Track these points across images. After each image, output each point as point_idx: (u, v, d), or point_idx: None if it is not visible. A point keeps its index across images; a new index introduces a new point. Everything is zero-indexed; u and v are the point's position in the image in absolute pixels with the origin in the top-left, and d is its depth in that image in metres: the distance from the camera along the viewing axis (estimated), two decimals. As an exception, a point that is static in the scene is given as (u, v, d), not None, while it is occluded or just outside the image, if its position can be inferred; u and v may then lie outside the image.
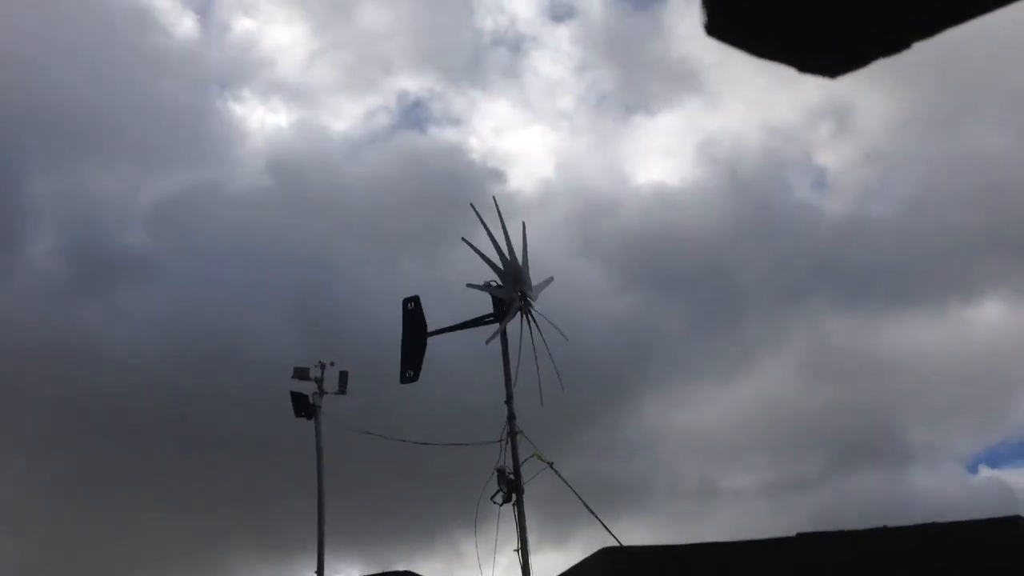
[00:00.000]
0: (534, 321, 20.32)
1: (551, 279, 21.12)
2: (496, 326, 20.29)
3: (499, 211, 20.94)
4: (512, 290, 20.49)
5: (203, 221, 41.23)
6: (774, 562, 11.75)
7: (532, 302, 20.53)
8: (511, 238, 20.34)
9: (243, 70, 54.71)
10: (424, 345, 20.19)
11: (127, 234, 41.92)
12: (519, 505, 19.41)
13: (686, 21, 50.60)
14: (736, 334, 42.46)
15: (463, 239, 20.89)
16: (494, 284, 20.52)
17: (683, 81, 51.62)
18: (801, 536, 11.88)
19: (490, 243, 20.05)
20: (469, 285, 20.63)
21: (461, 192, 43.13)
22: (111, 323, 37.41)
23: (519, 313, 20.42)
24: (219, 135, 48.19)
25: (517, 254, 20.74)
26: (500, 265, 20.57)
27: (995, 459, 63.66)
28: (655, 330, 38.79)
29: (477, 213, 20.90)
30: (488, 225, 20.05)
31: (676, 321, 41.30)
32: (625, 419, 34.54)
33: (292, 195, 44.10)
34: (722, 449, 41.06)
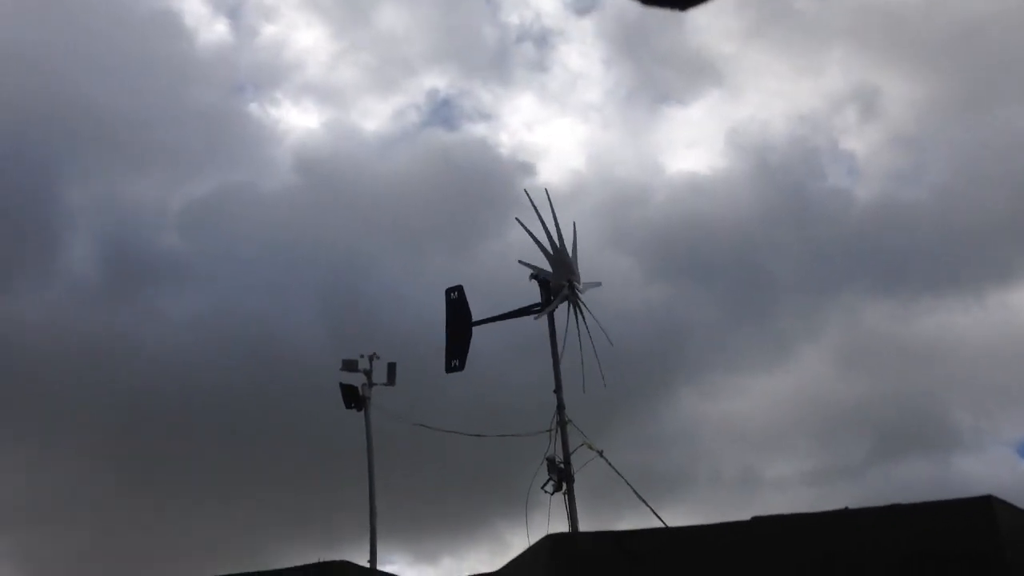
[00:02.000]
0: (581, 311, 20.44)
1: (599, 284, 21.17)
2: (545, 310, 20.49)
3: (550, 201, 21.03)
4: (561, 277, 20.55)
5: (236, 223, 42.40)
6: (729, 548, 11.43)
7: (580, 293, 20.63)
8: (553, 229, 20.47)
9: (273, 73, 55.99)
10: (469, 334, 20.42)
11: (162, 238, 43.56)
12: (570, 494, 19.56)
13: (704, 11, 49.36)
14: (771, 323, 41.31)
15: (517, 219, 20.96)
16: (542, 272, 20.61)
17: (705, 72, 50.39)
18: (757, 520, 11.50)
19: (529, 234, 20.37)
20: (521, 262, 20.69)
21: (489, 187, 43.39)
22: (148, 325, 38.24)
23: (567, 303, 20.59)
24: (251, 138, 49.24)
25: (567, 244, 20.89)
26: (551, 251, 20.67)
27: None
28: (690, 320, 38.01)
29: (530, 198, 21.01)
30: (524, 219, 20.38)
31: (711, 311, 40.47)
32: (662, 409, 34.02)
33: (323, 194, 44.71)
34: (763, 438, 40.61)
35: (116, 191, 44.37)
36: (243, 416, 32.06)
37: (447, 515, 29.44)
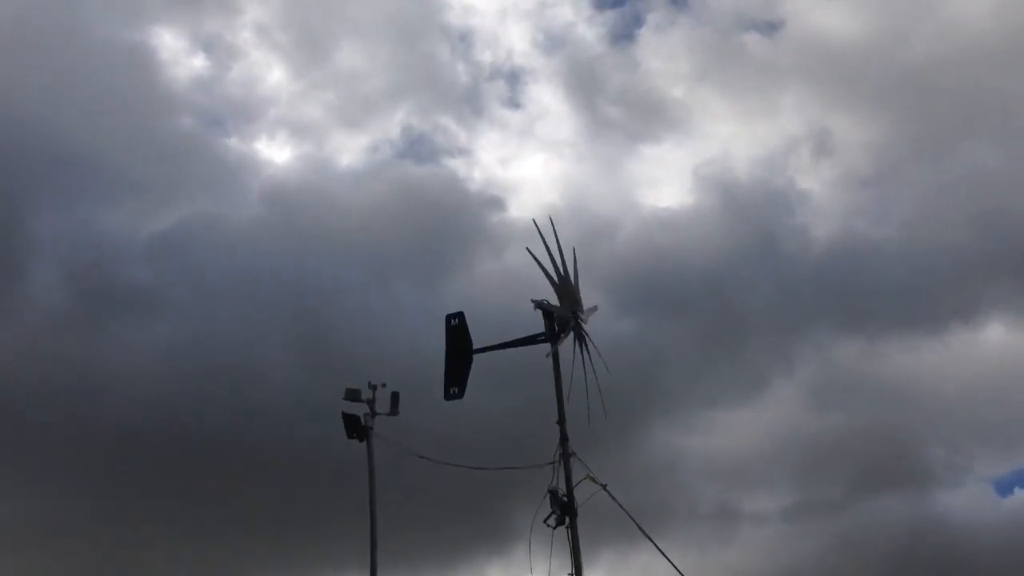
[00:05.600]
0: (585, 344, 20.26)
1: (595, 307, 21.01)
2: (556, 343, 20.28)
3: (555, 231, 20.69)
4: (567, 309, 20.38)
5: (206, 254, 42.17)
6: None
7: (584, 325, 20.45)
8: (559, 258, 20.33)
9: (246, 108, 55.87)
10: (470, 362, 20.24)
11: (132, 268, 42.54)
12: (573, 528, 19.20)
13: (660, 55, 52.15)
14: (744, 358, 42.05)
15: (527, 249, 20.71)
16: (546, 303, 20.38)
17: (663, 113, 52.06)
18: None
19: (538, 264, 20.13)
20: (534, 301, 20.48)
21: (458, 221, 44.88)
22: (117, 356, 37.86)
23: (571, 335, 20.38)
24: (222, 170, 48.96)
25: (567, 272, 20.72)
26: (556, 280, 20.46)
27: (1028, 482, 61.55)
28: (662, 355, 38.46)
29: (538, 228, 20.69)
30: (528, 247, 20.28)
31: (682, 346, 41.06)
32: (637, 444, 34.19)
33: (294, 226, 44.86)
34: (739, 474, 41.15)
35: (86, 221, 43.43)
36: (214, 447, 31.54)
37: (429, 550, 29.03)
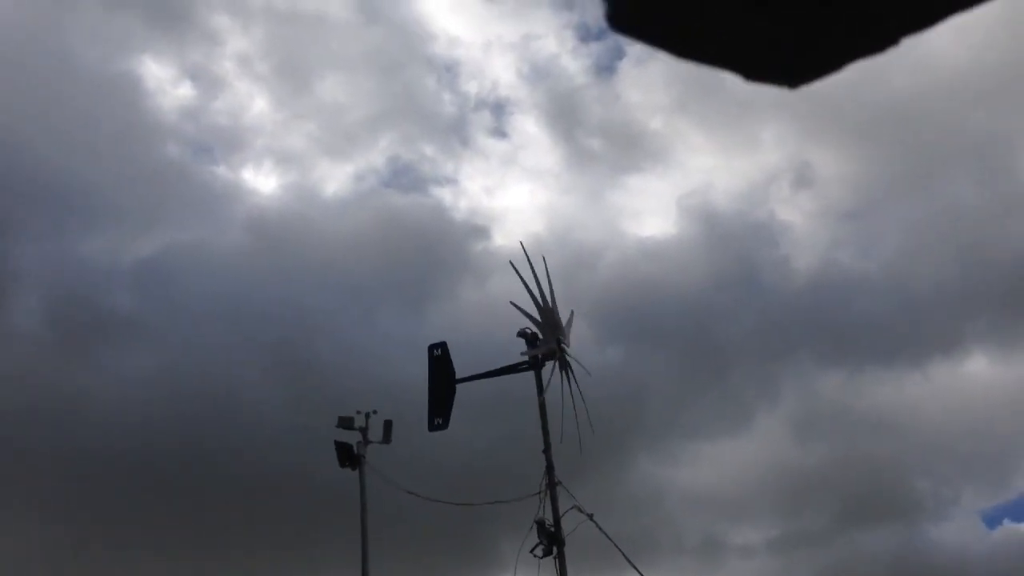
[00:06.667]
0: (570, 372, 20.37)
1: (572, 313, 21.04)
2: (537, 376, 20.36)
3: (530, 260, 20.78)
4: (551, 339, 20.40)
5: (189, 282, 41.89)
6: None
7: (567, 349, 20.45)
8: (546, 287, 20.37)
9: (231, 136, 55.03)
10: (453, 392, 20.26)
11: (114, 296, 41.82)
12: (560, 559, 19.11)
13: (639, 87, 53.12)
14: (725, 390, 42.45)
15: (512, 303, 20.83)
16: (529, 332, 20.46)
17: (651, 143, 52.89)
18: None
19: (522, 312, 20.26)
20: (523, 347, 20.69)
21: (442, 250, 45.00)
22: (99, 384, 37.59)
23: (555, 363, 20.53)
24: (207, 198, 48.52)
25: (551, 302, 20.81)
26: (539, 311, 20.53)
27: (1018, 513, 62.18)
28: (645, 385, 38.74)
29: (515, 268, 20.91)
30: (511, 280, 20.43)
31: (665, 376, 41.34)
32: (620, 474, 34.36)
33: (278, 254, 44.76)
34: (725, 506, 41.16)
35: (68, 249, 43.30)
36: (194, 474, 31.45)
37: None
